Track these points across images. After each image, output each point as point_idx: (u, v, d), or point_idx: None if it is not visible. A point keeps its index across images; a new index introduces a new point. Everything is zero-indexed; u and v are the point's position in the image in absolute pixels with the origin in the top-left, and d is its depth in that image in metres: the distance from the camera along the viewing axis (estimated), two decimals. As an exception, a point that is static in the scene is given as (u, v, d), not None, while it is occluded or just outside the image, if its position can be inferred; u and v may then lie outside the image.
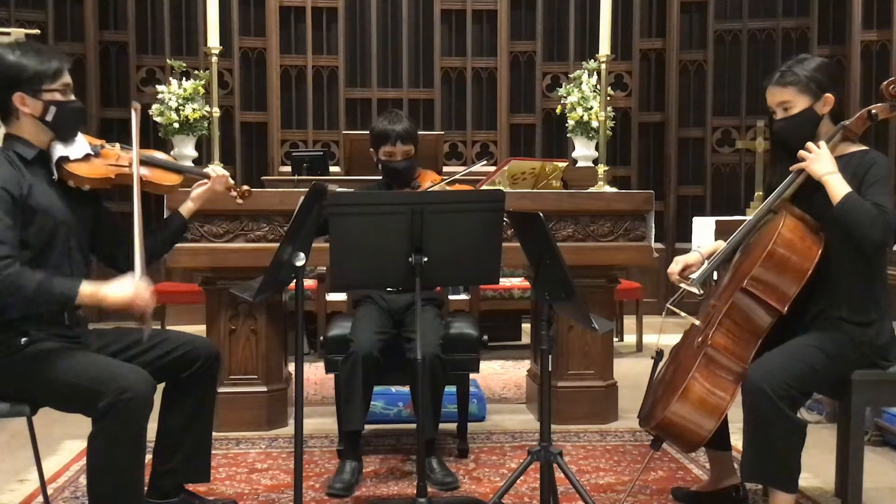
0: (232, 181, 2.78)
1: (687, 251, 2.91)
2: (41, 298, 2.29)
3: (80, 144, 2.49)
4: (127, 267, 2.57)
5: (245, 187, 2.82)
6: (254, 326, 3.74)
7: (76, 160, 2.46)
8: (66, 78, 2.45)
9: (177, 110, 6.67)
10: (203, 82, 6.73)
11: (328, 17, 7.57)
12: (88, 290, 2.32)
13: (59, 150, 2.44)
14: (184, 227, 2.79)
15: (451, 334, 3.30)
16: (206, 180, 2.75)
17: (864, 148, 2.62)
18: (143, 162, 2.57)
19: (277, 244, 2.51)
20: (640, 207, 3.75)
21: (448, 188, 3.30)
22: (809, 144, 2.54)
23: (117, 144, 2.61)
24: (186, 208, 2.75)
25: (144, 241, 2.45)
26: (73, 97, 2.48)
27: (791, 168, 2.60)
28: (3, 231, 2.27)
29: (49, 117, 2.41)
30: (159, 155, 2.70)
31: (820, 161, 2.51)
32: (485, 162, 3.94)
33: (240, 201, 2.82)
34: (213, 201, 2.84)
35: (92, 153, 2.51)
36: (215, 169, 2.78)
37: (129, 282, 2.35)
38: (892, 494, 3.05)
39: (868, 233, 2.40)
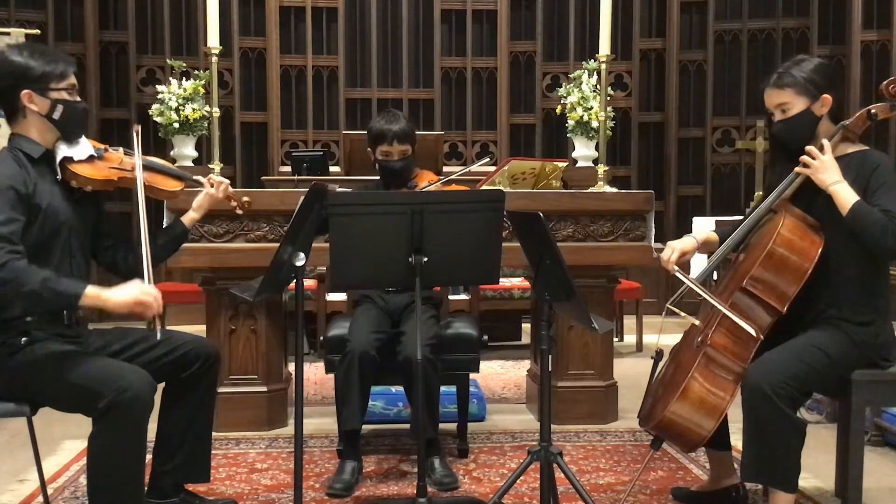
0: (232, 190, 2.78)
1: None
2: (46, 294, 2.24)
3: (84, 146, 2.52)
4: (127, 271, 2.61)
5: (246, 198, 2.82)
6: (254, 326, 3.74)
7: (80, 161, 2.49)
8: (72, 79, 2.49)
9: (177, 110, 6.67)
10: (203, 82, 6.72)
11: (328, 17, 7.57)
12: (93, 292, 2.29)
13: (63, 151, 2.47)
14: (185, 235, 2.80)
15: (451, 334, 3.30)
16: (204, 188, 2.76)
17: (865, 148, 2.62)
18: (146, 167, 2.59)
19: (277, 244, 2.51)
20: (640, 207, 3.75)
21: (444, 188, 3.30)
22: (812, 150, 2.53)
23: (120, 149, 2.64)
24: (188, 218, 2.76)
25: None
26: (78, 98, 2.52)
27: (795, 170, 2.59)
28: (11, 226, 2.28)
29: (56, 115, 2.44)
30: (161, 161, 2.73)
31: (826, 171, 2.50)
32: (487, 160, 3.92)
33: (239, 212, 2.84)
34: (214, 208, 2.84)
35: (95, 155, 2.54)
36: (214, 177, 2.79)
37: (134, 286, 2.33)
38: (892, 494, 3.05)
39: (880, 241, 2.41)
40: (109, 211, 6.80)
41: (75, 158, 2.48)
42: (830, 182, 2.49)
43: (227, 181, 2.79)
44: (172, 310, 6.20)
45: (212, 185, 2.75)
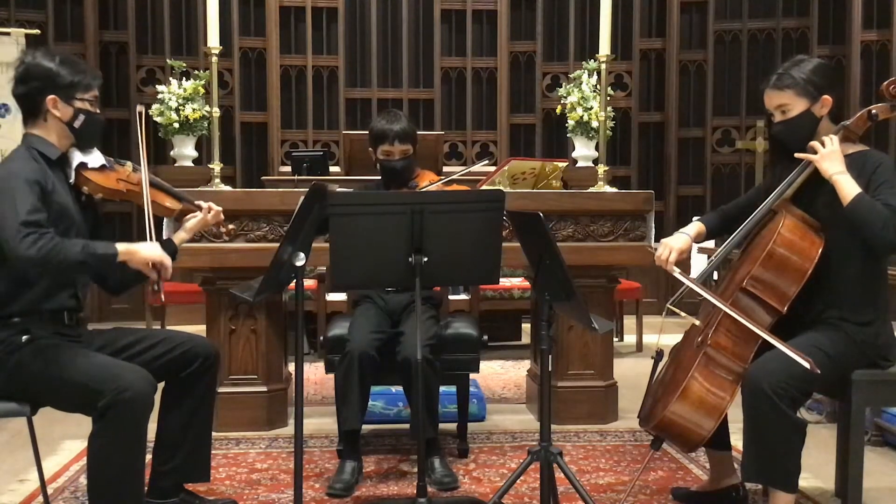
0: (223, 217, 2.83)
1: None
2: (90, 261, 2.34)
3: (97, 155, 2.60)
4: (114, 284, 2.70)
5: (231, 226, 2.94)
6: (254, 326, 3.74)
7: (94, 168, 2.56)
8: (96, 91, 2.56)
9: (177, 110, 6.67)
10: (203, 82, 6.73)
11: (328, 17, 7.57)
12: (124, 247, 2.40)
13: (78, 157, 2.55)
14: (174, 254, 2.82)
15: (451, 334, 3.30)
16: (199, 213, 2.79)
17: (865, 149, 2.62)
18: (150, 183, 2.66)
19: (277, 244, 2.52)
20: (640, 207, 3.75)
21: (445, 188, 3.30)
22: (823, 138, 2.53)
23: (128, 163, 2.69)
24: (179, 238, 2.80)
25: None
26: (98, 110, 2.59)
27: (797, 156, 2.58)
28: (38, 215, 2.32)
29: (77, 124, 2.51)
30: (164, 182, 2.80)
31: (831, 159, 2.49)
32: (486, 161, 3.94)
33: (226, 238, 3.05)
34: (203, 230, 3.01)
35: (107, 165, 2.61)
36: (210, 204, 2.82)
37: (158, 247, 2.48)
38: (892, 494, 3.05)
39: (880, 234, 2.40)
40: (110, 212, 6.82)
41: (89, 165, 2.55)
42: (834, 171, 2.48)
43: (220, 208, 2.83)
44: (172, 310, 6.20)
45: (210, 211, 2.79)
